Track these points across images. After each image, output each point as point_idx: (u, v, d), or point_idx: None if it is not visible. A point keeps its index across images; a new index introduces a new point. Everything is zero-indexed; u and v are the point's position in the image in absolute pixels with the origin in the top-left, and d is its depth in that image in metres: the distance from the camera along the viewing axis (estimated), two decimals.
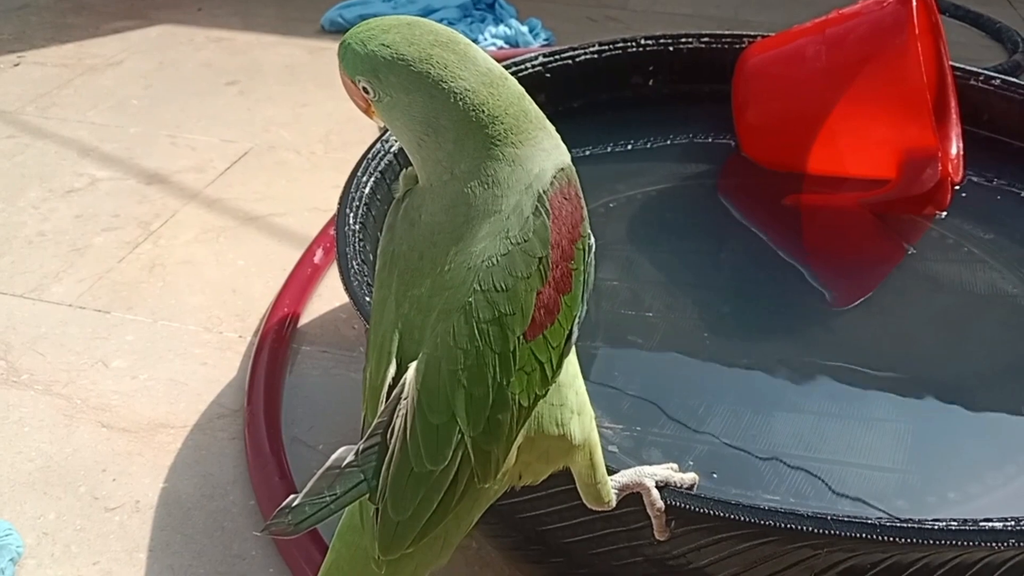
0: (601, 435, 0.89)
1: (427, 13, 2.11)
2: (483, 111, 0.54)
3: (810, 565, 0.60)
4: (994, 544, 0.58)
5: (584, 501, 0.64)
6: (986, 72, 1.32)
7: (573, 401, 0.59)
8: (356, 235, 0.94)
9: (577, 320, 0.56)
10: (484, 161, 0.54)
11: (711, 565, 0.63)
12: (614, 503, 0.64)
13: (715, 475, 0.86)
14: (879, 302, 1.13)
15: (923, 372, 0.99)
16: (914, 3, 1.14)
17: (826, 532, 0.57)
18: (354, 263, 0.89)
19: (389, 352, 0.56)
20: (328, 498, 0.52)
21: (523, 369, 0.53)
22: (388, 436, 0.54)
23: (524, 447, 0.58)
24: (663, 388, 0.96)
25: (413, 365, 0.54)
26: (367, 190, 1.02)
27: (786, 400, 0.97)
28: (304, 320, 1.20)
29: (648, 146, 1.38)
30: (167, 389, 1.09)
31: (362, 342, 1.16)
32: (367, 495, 0.53)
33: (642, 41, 1.35)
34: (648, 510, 0.64)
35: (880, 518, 0.59)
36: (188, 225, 1.40)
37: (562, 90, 1.31)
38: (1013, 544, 0.57)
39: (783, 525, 0.59)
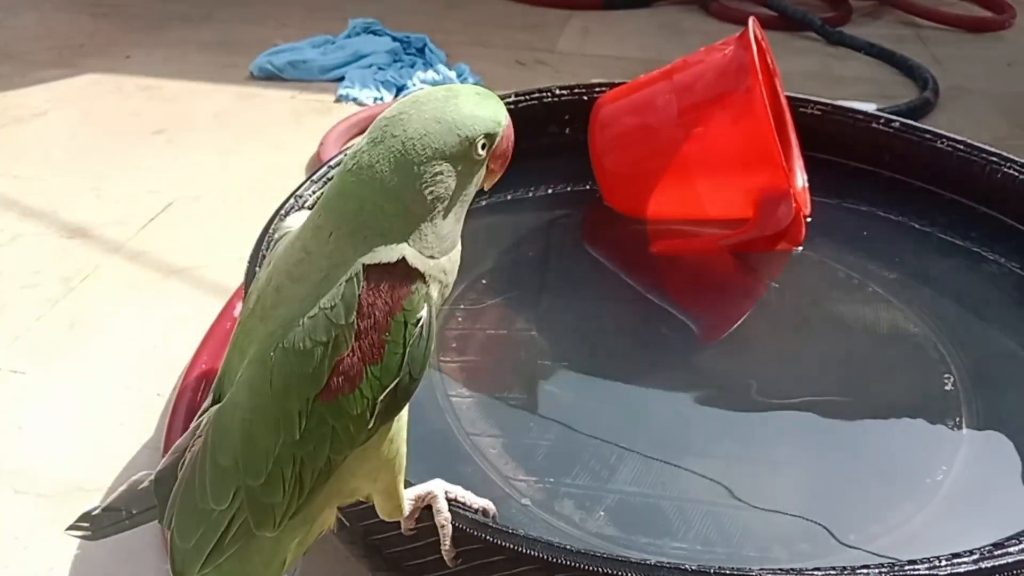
0: (515, 487, 0.91)
1: (356, 59, 2.14)
2: (369, 181, 0.55)
3: None
4: None
5: (380, 515, 0.65)
6: (816, 100, 1.37)
7: (387, 455, 0.60)
8: None
9: (392, 392, 0.56)
10: (338, 227, 0.56)
11: None
12: (406, 514, 0.65)
13: (624, 523, 0.88)
14: (765, 340, 1.18)
15: (821, 408, 1.03)
16: (755, 48, 1.19)
17: None
18: None
19: (213, 390, 0.60)
20: (124, 514, 0.59)
21: (313, 431, 0.54)
22: (179, 467, 0.58)
23: (330, 492, 0.59)
24: (577, 436, 0.98)
25: (214, 408, 0.58)
26: (266, 252, 1.02)
27: (695, 446, 1.00)
28: None
29: (530, 195, 1.42)
30: (84, 452, 1.07)
31: None
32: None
33: (556, 91, 1.39)
34: (436, 518, 0.66)
35: (762, 568, 0.61)
36: (110, 280, 1.39)
37: None
38: None
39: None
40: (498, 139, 0.58)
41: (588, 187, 1.38)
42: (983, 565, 0.62)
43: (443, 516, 0.65)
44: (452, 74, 2.09)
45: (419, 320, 0.55)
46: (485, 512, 0.66)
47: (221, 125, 1.90)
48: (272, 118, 1.94)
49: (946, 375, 1.05)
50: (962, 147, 1.25)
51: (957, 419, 0.99)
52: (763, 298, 1.26)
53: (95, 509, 0.59)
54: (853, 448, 0.99)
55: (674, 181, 1.28)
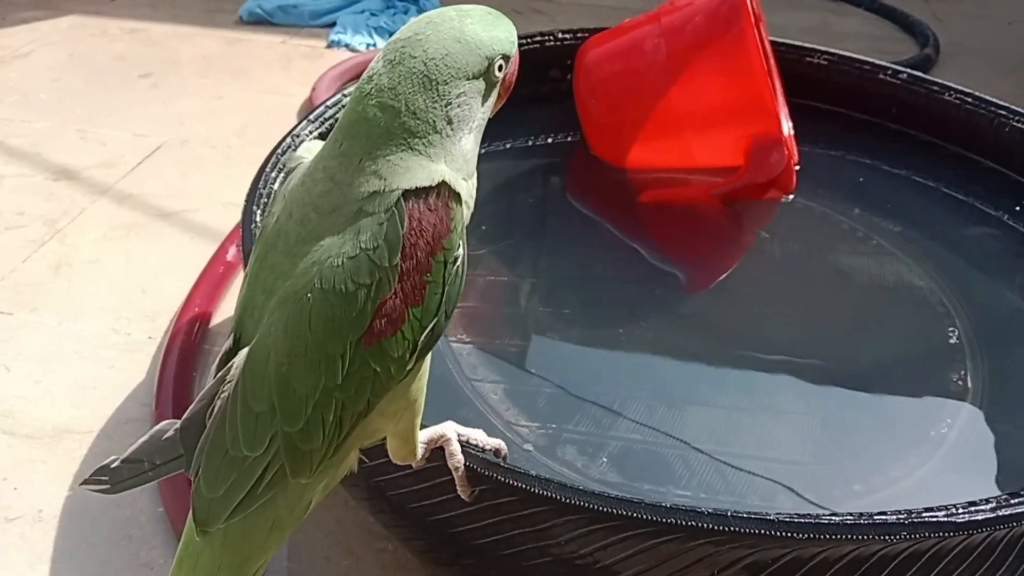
0: (517, 433, 0.89)
1: (349, 4, 2.09)
2: (393, 103, 0.53)
3: (712, 561, 0.61)
4: (887, 537, 0.59)
5: (392, 458, 0.63)
6: (822, 49, 1.35)
7: (413, 395, 0.59)
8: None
9: (430, 332, 0.54)
10: (366, 150, 0.53)
11: (617, 563, 0.63)
12: (419, 457, 0.64)
13: (628, 470, 0.86)
14: (764, 289, 1.16)
15: (824, 359, 1.02)
16: None
17: (726, 529, 0.58)
18: None
19: (231, 328, 0.57)
20: (147, 465, 0.55)
21: (354, 375, 0.52)
22: (208, 415, 0.54)
23: (359, 434, 0.57)
24: (579, 383, 0.97)
25: (244, 350, 0.54)
26: (276, 186, 1.00)
27: (697, 394, 0.99)
28: (216, 320, 1.17)
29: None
30: (72, 394, 1.05)
31: None
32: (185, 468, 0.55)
33: (559, 35, 1.35)
34: (448, 461, 0.64)
35: (779, 514, 0.60)
36: (97, 222, 1.35)
37: None
38: (905, 536, 0.59)
39: (683, 522, 0.59)
40: (511, 61, 0.57)
41: (575, 137, 1.35)
42: (1001, 513, 0.61)
43: (456, 459, 0.63)
44: None
45: (457, 258, 0.54)
46: (497, 452, 0.65)
47: (209, 69, 1.85)
48: (261, 63, 1.89)
49: (951, 328, 1.04)
50: (970, 100, 1.23)
51: (962, 372, 0.98)
52: (758, 247, 1.24)
53: (114, 461, 0.55)
54: (857, 399, 0.98)
55: (661, 128, 1.25)
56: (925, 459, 0.89)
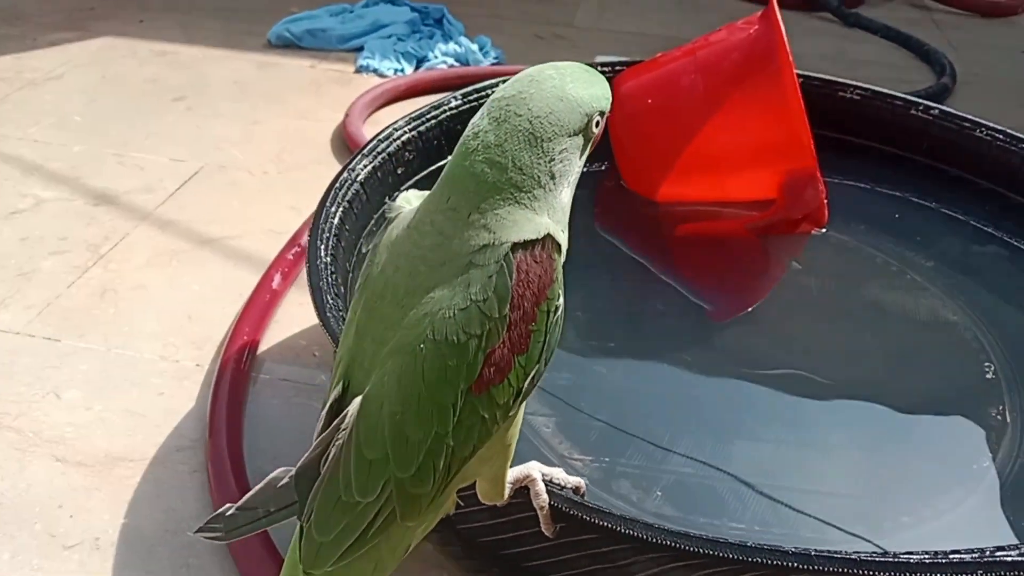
0: (571, 466, 0.91)
1: (375, 29, 2.11)
2: (500, 160, 0.55)
3: None
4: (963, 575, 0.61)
5: (480, 498, 0.65)
6: (855, 84, 1.37)
7: (508, 439, 0.61)
8: (328, 268, 0.94)
9: (532, 379, 0.57)
10: (475, 204, 0.56)
11: None
12: (506, 497, 0.66)
13: (681, 503, 0.88)
14: (803, 323, 1.19)
15: (863, 392, 1.05)
16: (782, 28, 1.18)
17: (811, 568, 0.60)
18: (328, 297, 0.89)
19: (339, 375, 0.59)
20: (261, 512, 0.57)
21: (464, 421, 0.55)
22: (322, 462, 0.56)
23: (454, 483, 0.59)
24: (628, 417, 0.99)
25: (358, 398, 0.56)
26: (336, 220, 1.02)
27: (744, 428, 1.01)
28: (262, 347, 1.19)
29: None
30: (123, 421, 1.07)
31: (323, 370, 1.16)
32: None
33: (600, 66, 1.38)
34: (533, 501, 0.66)
35: (859, 553, 0.62)
36: (139, 248, 1.37)
37: None
38: (980, 574, 0.61)
39: (768, 561, 0.61)
40: (605, 116, 0.59)
41: (604, 167, 1.38)
42: None
43: (542, 498, 0.65)
44: (474, 47, 2.07)
45: (558, 308, 0.57)
46: (576, 490, 0.67)
47: (241, 93, 1.87)
48: (292, 87, 1.92)
49: (987, 364, 1.06)
50: (1001, 136, 1.25)
51: (1000, 407, 1.00)
52: (792, 280, 1.27)
53: (229, 509, 0.57)
54: (897, 433, 1.00)
55: (696, 162, 1.28)
56: (969, 492, 0.91)
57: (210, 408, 1.06)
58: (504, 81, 1.31)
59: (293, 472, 0.57)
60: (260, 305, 1.22)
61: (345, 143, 1.69)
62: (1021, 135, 1.25)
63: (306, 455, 0.57)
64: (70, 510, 0.96)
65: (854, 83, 1.37)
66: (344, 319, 0.87)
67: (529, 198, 0.56)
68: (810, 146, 1.20)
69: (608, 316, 1.16)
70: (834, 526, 0.87)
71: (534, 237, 0.55)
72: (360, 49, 2.07)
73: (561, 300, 0.57)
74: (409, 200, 0.63)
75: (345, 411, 0.56)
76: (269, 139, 1.70)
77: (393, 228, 0.61)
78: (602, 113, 0.59)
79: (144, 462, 1.02)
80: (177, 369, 1.15)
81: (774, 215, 1.26)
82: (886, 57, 2.31)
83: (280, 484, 0.57)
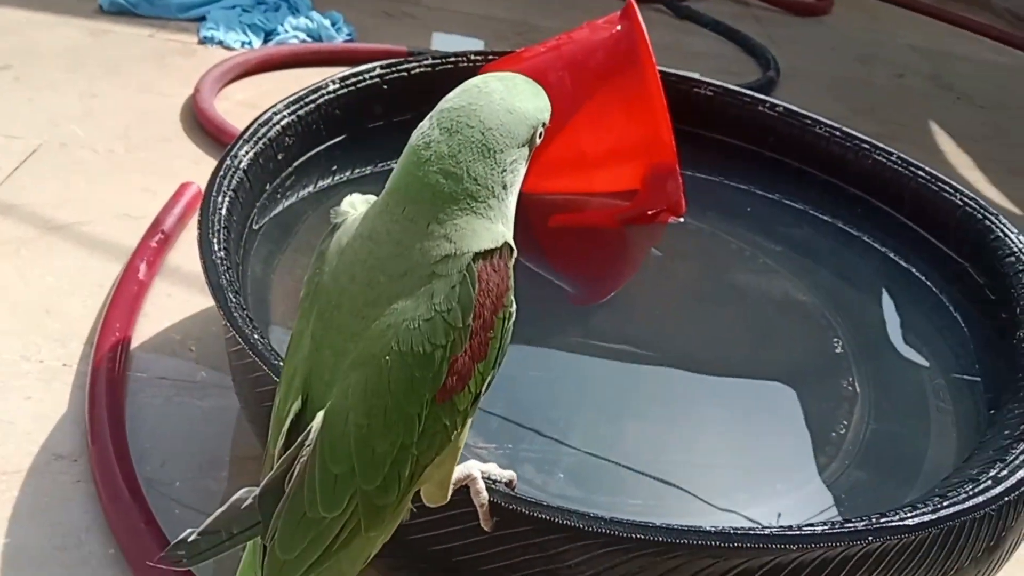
0: (477, 455, 0.94)
1: None
2: (455, 171, 0.56)
3: (709, 573, 0.69)
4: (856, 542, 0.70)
5: (425, 501, 0.66)
6: (709, 81, 1.47)
7: (458, 443, 0.62)
8: (223, 263, 0.91)
9: (488, 383, 0.59)
10: (433, 215, 0.56)
11: None
12: (448, 498, 0.66)
13: (583, 484, 0.94)
14: (672, 307, 1.27)
15: (731, 369, 1.14)
16: (644, 29, 1.26)
17: (728, 545, 0.66)
18: (230, 295, 0.86)
19: (297, 388, 0.58)
20: (224, 535, 0.56)
21: (428, 430, 0.56)
22: (286, 480, 0.56)
23: (413, 490, 0.61)
24: (525, 403, 1.02)
25: (321, 412, 0.56)
26: (224, 212, 0.98)
27: (629, 407, 1.08)
28: (134, 343, 1.13)
29: None
30: None
31: (203, 367, 1.12)
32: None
33: (472, 57, 1.39)
34: (474, 499, 0.68)
35: (770, 527, 0.69)
36: None
37: (398, 102, 1.32)
38: (870, 541, 0.70)
39: (690, 542, 0.67)
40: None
41: None
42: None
43: (482, 496, 0.67)
44: (327, 22, 2.01)
45: (512, 314, 0.58)
46: (509, 483, 0.69)
47: (75, 62, 1.73)
48: (131, 57, 1.79)
49: (835, 339, 1.18)
50: (838, 133, 1.38)
51: (850, 379, 1.12)
52: (655, 266, 1.35)
53: (191, 534, 0.55)
54: (765, 406, 1.10)
55: (563, 156, 1.32)
56: (831, 458, 1.02)
57: (88, 413, 1.00)
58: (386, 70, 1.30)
59: (256, 492, 0.56)
60: (128, 297, 1.16)
61: (196, 119, 1.61)
62: (854, 132, 1.39)
63: (270, 474, 0.56)
64: None
65: (708, 80, 1.46)
66: (248, 319, 0.85)
67: (484, 207, 0.57)
68: (671, 143, 1.27)
69: None
70: (721, 496, 0.95)
71: (493, 246, 0.57)
72: (202, 19, 1.97)
73: (515, 307, 0.59)
74: (354, 205, 0.62)
75: (308, 427, 0.56)
76: (112, 114, 1.59)
77: (341, 234, 0.60)
78: (544, 124, 0.61)
79: (19, 474, 0.94)
80: (42, 370, 1.07)
81: (637, 207, 1.33)
82: (717, 49, 2.46)
83: (244, 505, 0.56)
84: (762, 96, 1.46)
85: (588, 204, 1.38)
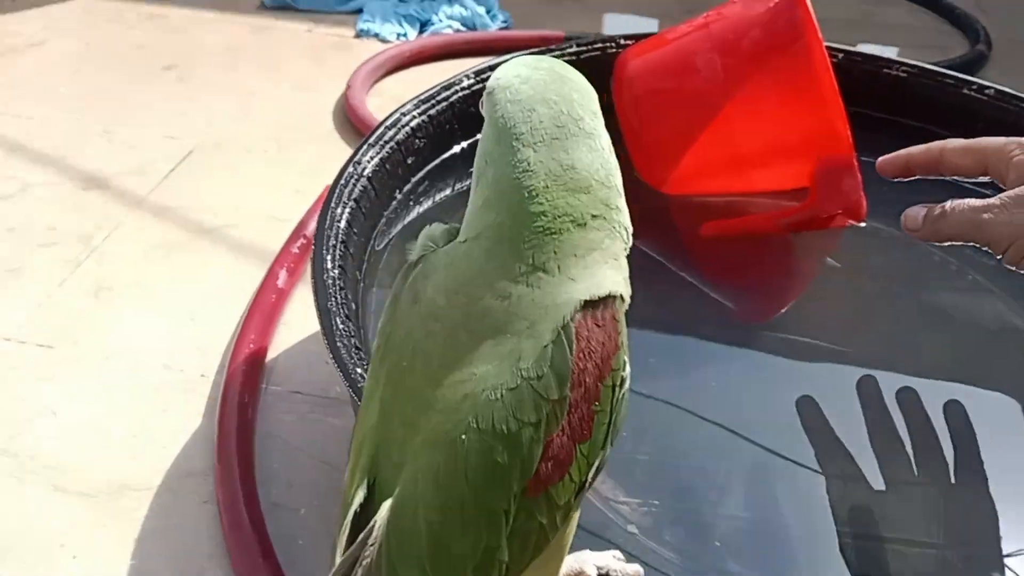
0: (617, 512, 0.83)
1: None
2: (541, 198, 0.46)
3: None
4: None
5: None
6: (901, 60, 1.27)
7: (564, 539, 0.51)
8: (336, 283, 0.84)
9: (595, 469, 0.47)
10: (512, 255, 0.46)
11: None
12: None
13: (745, 556, 0.80)
14: (859, 330, 1.08)
15: (935, 419, 0.96)
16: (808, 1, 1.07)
17: None
18: (337, 320, 0.80)
19: (364, 467, 0.49)
20: None
21: (519, 530, 0.45)
22: None
23: None
24: (676, 447, 0.90)
25: (387, 503, 0.46)
26: (342, 224, 0.92)
27: (806, 458, 0.91)
28: (270, 354, 1.10)
29: None
30: (127, 442, 0.98)
31: (339, 381, 1.07)
32: None
33: (622, 41, 1.26)
34: None
35: None
36: (134, 239, 1.27)
37: None
38: None
39: None
40: None
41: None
42: None
43: None
44: (481, 9, 1.95)
45: (624, 380, 0.47)
46: None
47: (235, 60, 1.75)
48: (289, 54, 1.80)
49: None
50: None
51: None
52: (838, 279, 1.17)
53: None
54: (975, 463, 0.91)
55: (717, 151, 1.16)
56: None
57: (217, 429, 0.97)
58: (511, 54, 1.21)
59: None
60: (265, 307, 1.13)
61: (347, 117, 1.59)
62: None
63: (332, 572, 0.48)
64: (72, 550, 0.88)
65: (899, 59, 1.27)
66: (355, 347, 0.79)
67: (600, 224, 0.48)
68: (846, 133, 1.09)
69: (636, 327, 1.07)
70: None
71: (597, 295, 0.46)
72: (359, 11, 1.95)
73: (627, 370, 0.48)
74: (434, 238, 0.53)
75: (373, 520, 0.47)
76: (267, 113, 1.59)
77: (418, 276, 0.51)
78: None
79: (151, 491, 0.93)
80: (181, 380, 1.06)
81: (806, 209, 1.15)
82: (914, 21, 2.20)
83: None
84: (967, 77, 1.25)
85: (749, 207, 1.22)
